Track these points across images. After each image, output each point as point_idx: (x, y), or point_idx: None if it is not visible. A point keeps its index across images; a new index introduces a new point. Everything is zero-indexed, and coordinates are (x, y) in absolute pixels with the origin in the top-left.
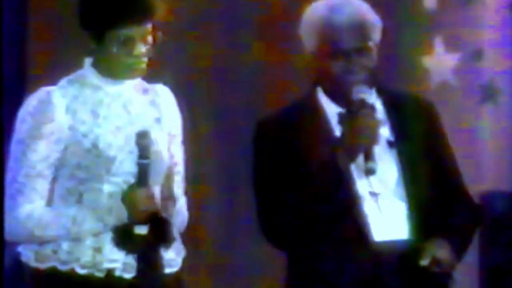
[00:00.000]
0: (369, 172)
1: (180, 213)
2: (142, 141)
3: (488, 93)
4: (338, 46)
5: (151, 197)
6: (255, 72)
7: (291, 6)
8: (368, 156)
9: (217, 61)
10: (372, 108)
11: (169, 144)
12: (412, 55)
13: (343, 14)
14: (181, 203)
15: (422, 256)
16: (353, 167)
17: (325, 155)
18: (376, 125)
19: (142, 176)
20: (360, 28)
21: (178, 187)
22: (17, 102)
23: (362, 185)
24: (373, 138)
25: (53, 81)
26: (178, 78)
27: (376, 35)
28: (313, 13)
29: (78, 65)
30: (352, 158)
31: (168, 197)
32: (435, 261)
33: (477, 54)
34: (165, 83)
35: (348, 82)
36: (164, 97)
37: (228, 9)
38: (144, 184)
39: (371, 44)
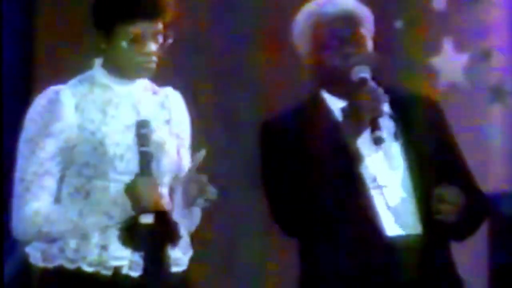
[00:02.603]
0: (378, 141)
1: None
2: (142, 130)
3: (497, 94)
4: (332, 34)
5: (154, 184)
6: (260, 74)
7: (295, 8)
8: (374, 126)
9: (222, 64)
10: (372, 84)
11: (178, 147)
12: (421, 56)
13: (331, 6)
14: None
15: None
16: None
17: (332, 141)
18: (377, 97)
19: (144, 164)
20: (351, 16)
21: None
22: (22, 102)
23: (370, 177)
24: (376, 109)
25: (58, 82)
26: (184, 80)
27: (367, 24)
28: (303, 14)
29: (84, 65)
30: (358, 131)
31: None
32: (443, 196)
33: (486, 55)
34: (174, 87)
35: (345, 67)
36: (174, 100)
37: (232, 12)
38: (146, 173)
39: (363, 31)
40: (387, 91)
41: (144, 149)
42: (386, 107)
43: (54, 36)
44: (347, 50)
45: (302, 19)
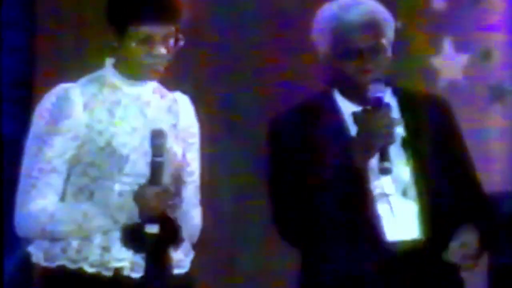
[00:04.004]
0: (385, 171)
1: (193, 221)
2: (157, 139)
3: (497, 93)
4: (351, 45)
5: (163, 195)
6: (267, 72)
7: (303, 6)
8: (384, 156)
9: (227, 62)
10: (387, 106)
11: (184, 152)
12: (421, 55)
13: (354, 13)
14: (196, 213)
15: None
16: (368, 167)
17: (340, 155)
18: (391, 124)
19: (155, 174)
20: (372, 26)
21: (195, 196)
22: (23, 104)
23: (375, 185)
24: (389, 137)
25: (60, 82)
26: (189, 81)
27: (389, 32)
28: (324, 14)
29: (88, 65)
30: (367, 157)
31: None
32: (463, 245)
33: (486, 54)
34: (184, 92)
35: (363, 81)
36: (182, 105)
37: (235, 12)
38: (156, 183)
39: (384, 41)
40: (397, 91)
41: (157, 159)
42: (396, 112)
43: (56, 34)
44: (365, 64)
45: (323, 20)
